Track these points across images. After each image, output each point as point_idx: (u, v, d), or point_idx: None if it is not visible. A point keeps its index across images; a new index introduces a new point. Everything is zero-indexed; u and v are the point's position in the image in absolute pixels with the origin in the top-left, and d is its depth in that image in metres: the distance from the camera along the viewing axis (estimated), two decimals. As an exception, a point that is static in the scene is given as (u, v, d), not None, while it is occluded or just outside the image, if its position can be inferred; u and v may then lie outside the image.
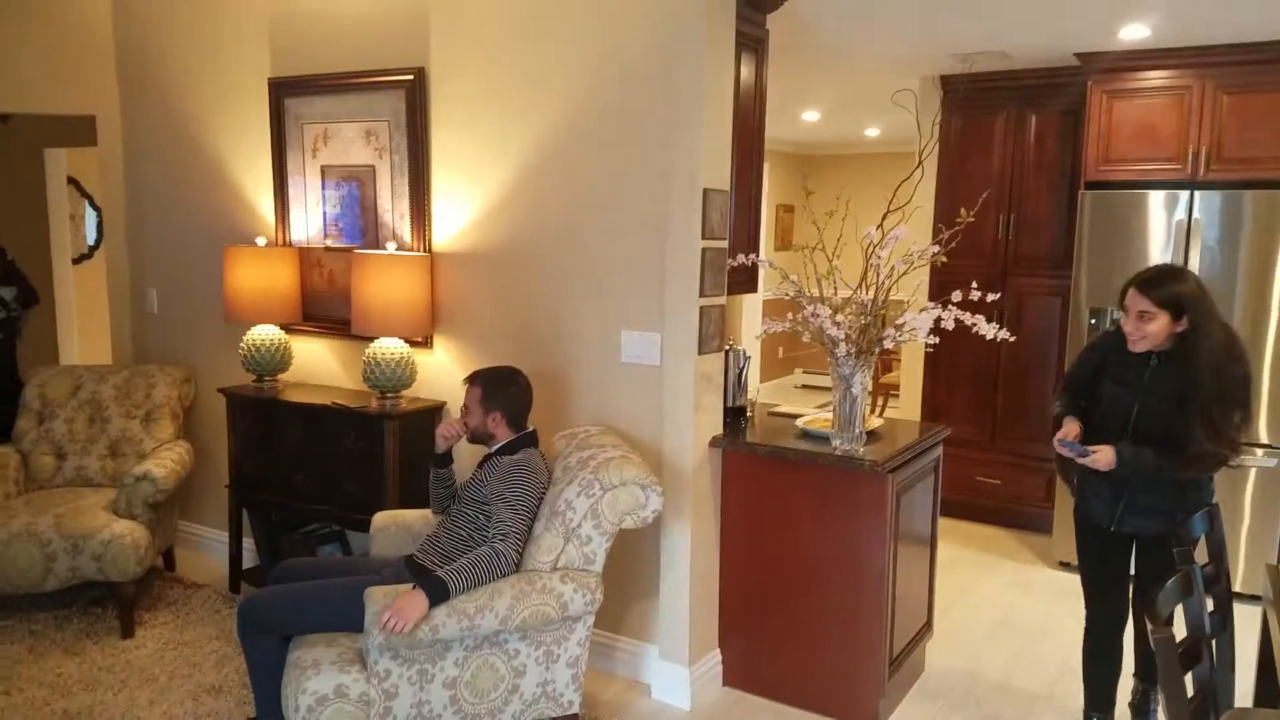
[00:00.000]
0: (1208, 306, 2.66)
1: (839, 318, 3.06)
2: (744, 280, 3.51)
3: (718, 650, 3.45)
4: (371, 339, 3.71)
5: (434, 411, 3.79)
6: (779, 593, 3.30)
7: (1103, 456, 2.72)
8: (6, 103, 4.76)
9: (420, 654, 2.66)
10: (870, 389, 3.21)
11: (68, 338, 6.61)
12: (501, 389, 3.02)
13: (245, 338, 4.02)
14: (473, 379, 3.06)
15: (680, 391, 3.22)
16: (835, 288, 3.15)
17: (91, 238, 7.02)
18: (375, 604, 2.60)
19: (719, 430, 3.36)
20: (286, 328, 4.12)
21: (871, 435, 3.33)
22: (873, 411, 7.23)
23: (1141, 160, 4.51)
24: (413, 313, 3.65)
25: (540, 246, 3.51)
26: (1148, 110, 4.47)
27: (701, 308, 3.17)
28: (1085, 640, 3.01)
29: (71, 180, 6.68)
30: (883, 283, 3.10)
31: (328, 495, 3.80)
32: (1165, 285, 2.66)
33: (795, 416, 3.61)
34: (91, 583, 3.70)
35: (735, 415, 3.54)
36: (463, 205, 3.68)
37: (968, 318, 3.02)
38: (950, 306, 3.03)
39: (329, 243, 4.09)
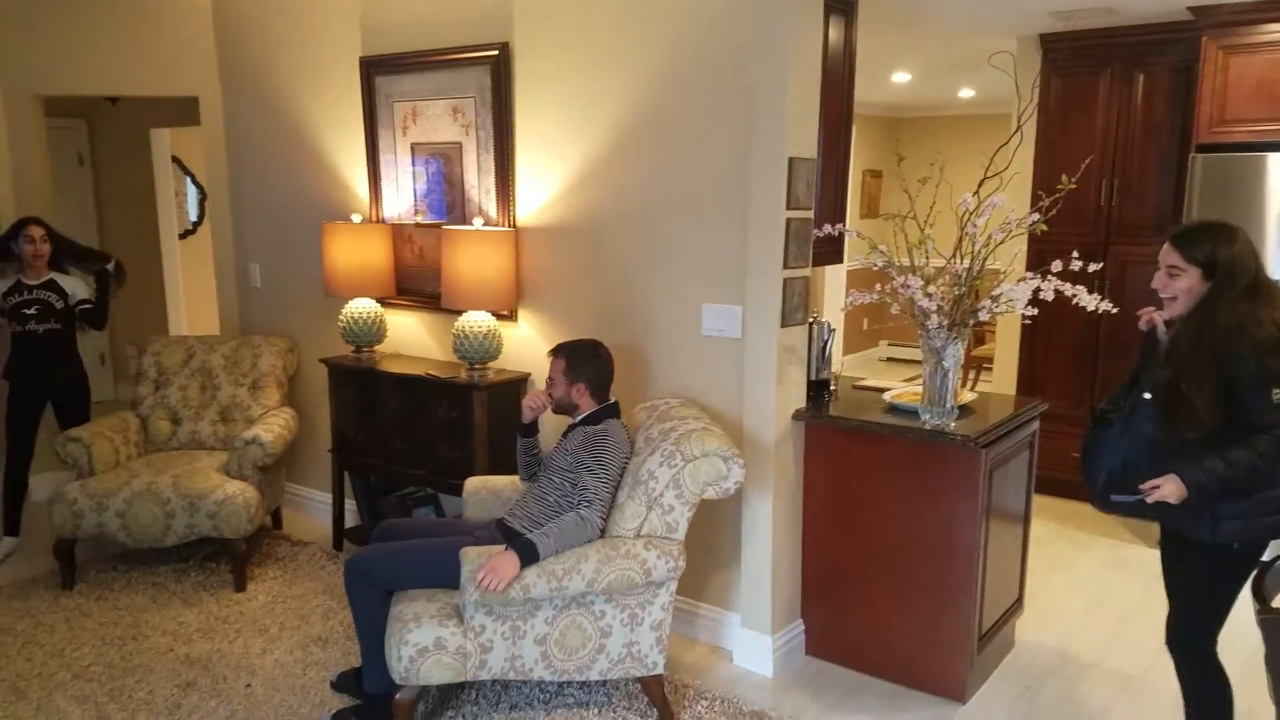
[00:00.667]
0: (1238, 277, 2.33)
1: (931, 289, 3.01)
2: (829, 250, 3.47)
3: (800, 620, 3.46)
4: (460, 312, 3.81)
5: (519, 382, 3.88)
6: (864, 566, 3.29)
7: (1168, 488, 2.34)
8: (115, 86, 5.00)
9: (513, 611, 2.76)
10: (962, 362, 3.15)
11: (175, 309, 6.97)
12: (585, 360, 3.08)
13: (344, 311, 4.17)
14: (557, 351, 3.12)
15: (762, 365, 3.21)
16: (927, 257, 3.09)
17: (193, 214, 7.35)
18: (470, 563, 2.70)
19: (802, 404, 3.35)
20: (381, 301, 4.25)
21: (963, 410, 3.27)
22: (964, 385, 7.08)
23: (1261, 120, 4.27)
24: (499, 287, 3.73)
25: (621, 220, 3.54)
26: (1270, 66, 4.22)
27: (785, 280, 3.15)
28: None
29: (174, 159, 7.00)
30: (978, 252, 3.03)
31: (422, 460, 3.93)
32: (1201, 241, 2.37)
33: (882, 390, 3.57)
34: (206, 539, 3.92)
35: (819, 389, 3.51)
36: (546, 180, 3.73)
37: (1068, 288, 2.92)
38: (1050, 277, 2.94)
39: (419, 219, 4.19)
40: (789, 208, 3.10)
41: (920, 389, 3.24)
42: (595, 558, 2.76)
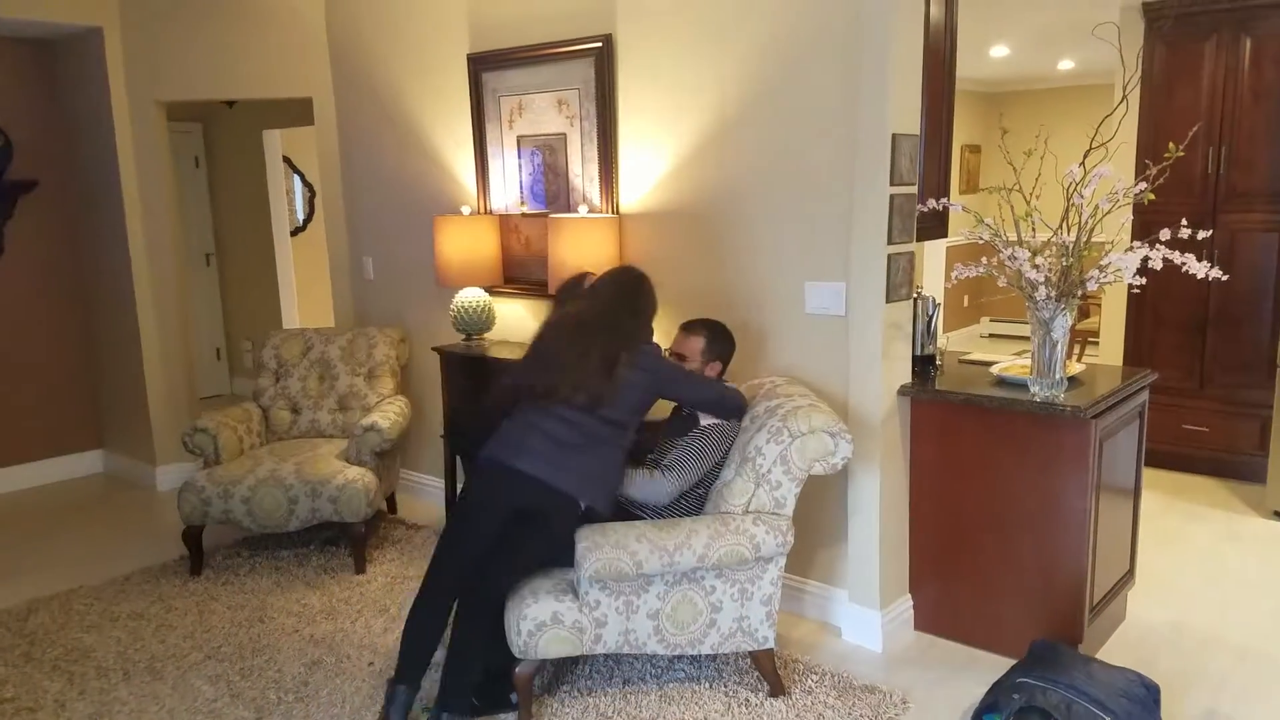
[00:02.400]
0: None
1: (1039, 260, 3.00)
2: (932, 225, 3.48)
3: (909, 596, 3.49)
4: (567, 297, 3.92)
5: (625, 365, 3.97)
6: (973, 540, 3.30)
7: None
8: (233, 90, 5.24)
9: (626, 586, 2.85)
10: (1069, 335, 3.14)
11: (288, 304, 7.28)
12: (723, 341, 3.22)
13: (454, 300, 4.32)
14: (694, 328, 3.21)
15: (867, 341, 3.24)
16: (1034, 229, 3.09)
17: (301, 212, 7.64)
18: (585, 540, 2.81)
19: (907, 379, 3.37)
20: (489, 290, 4.40)
21: (1072, 381, 3.25)
22: (1070, 359, 6.95)
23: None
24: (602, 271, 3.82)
25: (723, 202, 3.60)
26: (1386, 23, 4.06)
27: (890, 255, 3.17)
28: None
29: (284, 158, 7.29)
30: (1085, 222, 3.01)
31: (530, 444, 4.06)
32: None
33: (989, 364, 3.56)
34: (326, 524, 4.11)
35: (924, 364, 3.52)
36: (648, 166, 3.81)
37: (1176, 256, 2.90)
38: (1158, 245, 2.92)
39: (524, 209, 4.32)
40: (893, 184, 3.11)
41: (1028, 362, 3.23)
42: (705, 534, 2.83)
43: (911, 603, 3.49)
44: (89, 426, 5.79)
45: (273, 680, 3.26)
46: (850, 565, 3.42)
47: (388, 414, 4.30)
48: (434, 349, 4.45)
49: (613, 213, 3.94)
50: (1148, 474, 3.86)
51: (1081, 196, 2.96)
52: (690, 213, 3.72)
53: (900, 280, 3.25)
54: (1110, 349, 5.47)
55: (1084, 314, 7.26)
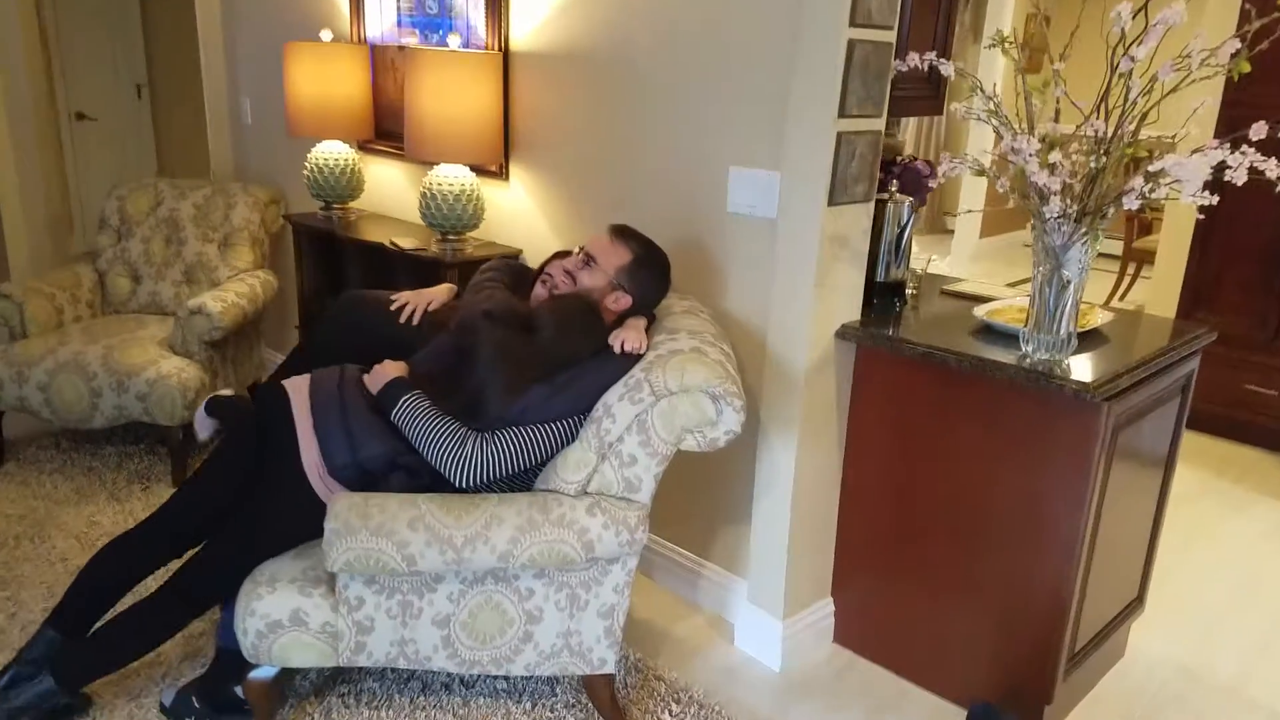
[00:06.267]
0: None
1: (1054, 156, 1.97)
2: (922, 96, 2.44)
3: (830, 599, 2.61)
4: (431, 165, 2.96)
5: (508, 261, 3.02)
6: (922, 541, 2.38)
7: None
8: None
9: (402, 583, 2.02)
10: (1089, 266, 2.12)
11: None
12: (655, 275, 2.26)
13: (309, 156, 3.38)
14: (626, 235, 2.26)
15: (797, 257, 2.26)
16: (1057, 109, 2.04)
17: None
18: (336, 519, 1.95)
19: (855, 315, 2.40)
20: (361, 146, 3.43)
21: (1088, 338, 2.27)
22: (1116, 289, 5.81)
23: None
24: (480, 131, 2.85)
25: (633, 43, 2.57)
26: None
27: (840, 134, 2.15)
28: None
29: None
30: (1133, 102, 1.95)
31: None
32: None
33: (981, 300, 2.57)
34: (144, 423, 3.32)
35: (889, 294, 2.55)
36: (548, -14, 2.77)
37: (1272, 165, 1.85)
38: (1245, 147, 1.87)
39: (404, 40, 3.31)
40: (853, 24, 2.07)
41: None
42: (512, 522, 1.96)
43: (833, 609, 2.61)
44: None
45: (-3, 627, 2.50)
46: (752, 555, 2.54)
47: (226, 295, 3.42)
48: (285, 217, 3.53)
49: (498, 49, 2.92)
50: (1192, 441, 2.93)
51: (1132, 59, 1.90)
52: (597, 57, 2.69)
53: (856, 173, 2.23)
54: (1166, 282, 4.38)
55: (1144, 228, 6.07)
